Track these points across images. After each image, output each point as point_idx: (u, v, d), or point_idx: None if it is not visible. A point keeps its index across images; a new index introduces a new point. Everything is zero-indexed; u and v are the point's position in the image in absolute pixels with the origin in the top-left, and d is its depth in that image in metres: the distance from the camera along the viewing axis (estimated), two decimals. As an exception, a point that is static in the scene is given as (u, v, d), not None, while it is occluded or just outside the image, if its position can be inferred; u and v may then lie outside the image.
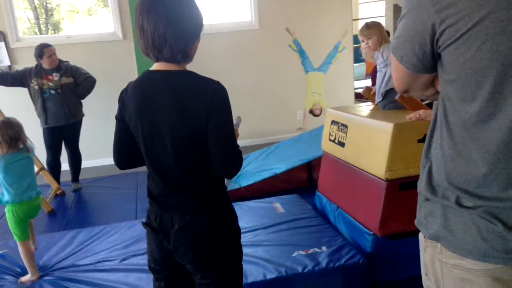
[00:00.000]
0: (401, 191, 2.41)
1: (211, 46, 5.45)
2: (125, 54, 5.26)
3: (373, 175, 2.50)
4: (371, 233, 2.46)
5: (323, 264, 2.30)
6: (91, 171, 4.90)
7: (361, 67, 9.32)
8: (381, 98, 2.70)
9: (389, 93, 2.64)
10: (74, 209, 3.86)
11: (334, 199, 2.95)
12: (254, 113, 5.68)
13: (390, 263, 2.44)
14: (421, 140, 2.40)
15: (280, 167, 3.93)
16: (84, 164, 4.49)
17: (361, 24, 6.74)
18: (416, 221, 1.03)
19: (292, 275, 2.23)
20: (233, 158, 1.35)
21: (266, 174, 3.85)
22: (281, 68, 5.79)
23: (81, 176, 4.46)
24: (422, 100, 2.54)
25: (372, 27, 2.69)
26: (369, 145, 2.53)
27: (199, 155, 1.34)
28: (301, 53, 5.91)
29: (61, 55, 4.18)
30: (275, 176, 3.83)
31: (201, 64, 5.67)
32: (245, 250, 1.59)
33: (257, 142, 5.65)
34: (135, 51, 5.23)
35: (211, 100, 1.28)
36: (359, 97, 6.80)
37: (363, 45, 2.70)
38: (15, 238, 2.41)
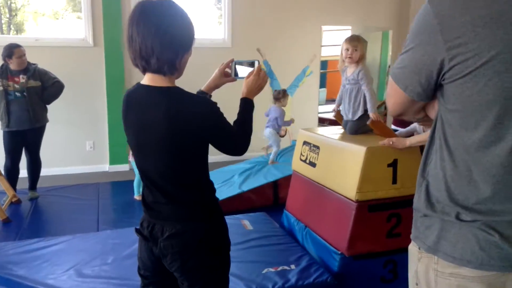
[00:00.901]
0: (370, 212, 2.49)
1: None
2: (94, 61, 5.17)
3: (343, 196, 2.57)
4: (339, 252, 2.52)
5: (293, 281, 2.33)
6: (49, 179, 4.71)
7: (322, 93, 9.59)
8: (351, 117, 2.77)
9: (361, 118, 2.74)
10: (30, 218, 3.69)
11: (302, 218, 3.00)
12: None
13: (357, 282, 2.50)
14: (391, 165, 2.51)
15: (247, 185, 3.95)
16: (42, 172, 4.32)
17: (325, 50, 6.98)
18: (412, 236, 1.10)
19: (262, 292, 2.24)
20: (241, 141, 1.45)
21: (233, 191, 3.85)
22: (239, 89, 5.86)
23: (38, 185, 4.28)
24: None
25: (362, 41, 2.76)
26: (341, 166, 2.61)
27: (189, 169, 1.38)
28: (270, 74, 6.01)
29: (27, 57, 4.05)
30: (241, 194, 3.84)
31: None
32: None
33: (222, 159, 5.64)
34: (105, 59, 5.16)
35: (202, 120, 1.32)
36: (321, 122, 7.00)
37: (346, 53, 2.70)
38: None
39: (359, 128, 2.77)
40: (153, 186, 1.41)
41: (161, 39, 1.28)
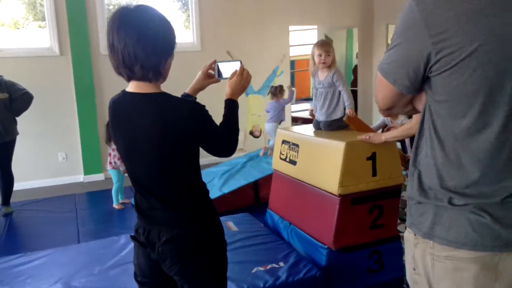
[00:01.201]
0: (352, 205, 2.55)
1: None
2: (61, 70, 5.05)
3: (325, 191, 2.63)
4: (326, 247, 2.57)
5: (283, 278, 2.36)
6: (23, 193, 4.58)
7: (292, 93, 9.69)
8: (326, 118, 2.83)
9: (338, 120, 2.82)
10: (7, 235, 3.57)
11: (286, 216, 3.04)
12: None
13: (344, 275, 2.56)
14: (369, 158, 2.59)
15: (227, 187, 3.96)
16: (15, 186, 4.19)
17: (294, 50, 7.07)
18: (407, 223, 1.14)
19: (254, 291, 2.27)
20: (229, 144, 1.46)
21: (214, 194, 3.86)
22: (222, 90, 5.87)
23: (11, 199, 4.14)
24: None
25: (331, 44, 2.83)
26: (322, 162, 2.66)
27: (181, 173, 1.39)
28: (242, 75, 6.05)
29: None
30: (222, 196, 3.85)
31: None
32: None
33: (203, 162, 5.62)
34: (72, 67, 5.05)
35: (190, 123, 1.32)
36: (295, 121, 7.08)
37: (319, 59, 2.76)
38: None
39: (331, 124, 2.83)
40: (146, 192, 1.40)
41: (143, 46, 1.27)
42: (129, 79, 1.35)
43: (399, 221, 2.38)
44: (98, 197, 4.52)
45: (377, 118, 4.66)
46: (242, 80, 1.58)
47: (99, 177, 5.27)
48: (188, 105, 1.35)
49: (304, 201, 2.86)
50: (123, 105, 1.38)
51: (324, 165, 2.65)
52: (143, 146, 1.33)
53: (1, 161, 3.95)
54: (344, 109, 2.80)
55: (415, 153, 1.11)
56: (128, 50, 1.27)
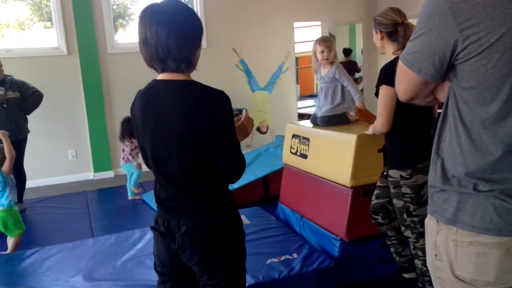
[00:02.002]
0: (365, 197, 2.59)
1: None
2: (70, 70, 5.10)
3: (338, 183, 2.67)
4: (338, 238, 2.61)
5: (297, 269, 2.40)
6: (34, 191, 4.63)
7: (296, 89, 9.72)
8: (325, 113, 2.87)
9: (334, 110, 2.86)
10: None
11: (298, 209, 3.08)
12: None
13: (356, 265, 2.60)
14: (381, 150, 2.62)
15: (237, 182, 3.99)
16: (26, 184, 4.25)
17: (299, 47, 7.10)
18: (429, 210, 1.16)
19: (270, 281, 2.31)
20: (236, 164, 1.42)
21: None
22: (228, 87, 5.90)
23: (23, 197, 4.20)
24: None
25: (332, 40, 2.89)
26: (333, 155, 2.70)
27: (204, 161, 1.39)
28: (248, 72, 6.10)
29: None
30: (232, 191, 3.88)
31: (150, 80, 5.65)
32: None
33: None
34: (80, 66, 5.10)
35: (216, 111, 1.34)
36: (301, 117, 7.11)
37: (322, 56, 2.81)
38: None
39: (328, 120, 2.87)
40: (167, 182, 1.43)
41: (176, 39, 1.31)
42: (162, 71, 1.38)
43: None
44: (108, 193, 4.57)
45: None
46: (246, 125, 1.60)
47: (109, 174, 5.32)
48: (218, 93, 1.36)
49: (316, 194, 2.90)
50: (154, 92, 1.40)
51: (335, 158, 2.69)
52: (170, 131, 1.36)
53: (16, 159, 3.97)
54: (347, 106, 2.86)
55: (438, 142, 1.12)
56: (161, 43, 1.30)
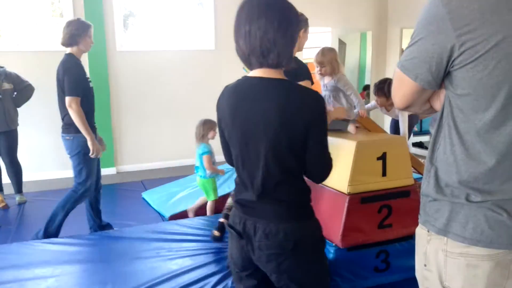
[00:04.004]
0: (361, 204, 2.57)
1: (171, 61, 5.53)
2: (78, 66, 5.14)
3: (335, 189, 2.65)
4: (333, 245, 2.59)
5: (290, 273, 2.38)
6: (36, 184, 4.67)
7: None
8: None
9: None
10: (19, 223, 3.66)
11: (295, 213, 3.06)
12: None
13: (351, 273, 2.58)
14: (380, 158, 2.60)
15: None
16: (29, 177, 4.29)
17: (308, 52, 7.09)
18: (421, 220, 1.14)
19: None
20: (327, 167, 1.43)
21: (223, 191, 3.89)
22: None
23: (25, 190, 4.24)
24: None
25: (328, 54, 2.89)
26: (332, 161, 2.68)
27: (291, 163, 1.35)
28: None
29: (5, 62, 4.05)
30: (229, 193, 3.87)
31: (160, 79, 5.67)
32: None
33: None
34: (88, 63, 5.13)
35: (313, 112, 1.31)
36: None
37: (317, 69, 2.87)
38: None
39: (331, 126, 2.87)
40: (251, 183, 1.38)
41: (283, 33, 1.29)
42: (260, 66, 1.33)
43: None
44: (110, 190, 4.57)
45: (389, 121, 4.68)
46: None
47: (111, 171, 5.34)
48: (314, 94, 1.34)
49: (313, 198, 2.87)
50: (246, 89, 1.36)
51: (334, 163, 2.65)
52: (261, 131, 1.32)
53: (8, 149, 4.05)
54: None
55: (432, 150, 1.11)
56: (268, 37, 1.28)
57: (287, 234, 1.34)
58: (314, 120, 1.31)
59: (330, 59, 2.87)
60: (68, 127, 3.06)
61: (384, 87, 3.81)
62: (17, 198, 4.13)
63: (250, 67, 1.36)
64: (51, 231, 3.08)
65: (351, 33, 7.36)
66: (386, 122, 5.21)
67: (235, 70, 6.11)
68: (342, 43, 7.42)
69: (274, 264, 1.37)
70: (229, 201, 2.92)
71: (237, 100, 1.36)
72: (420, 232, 1.14)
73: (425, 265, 1.12)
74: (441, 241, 1.06)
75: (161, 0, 5.58)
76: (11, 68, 4.14)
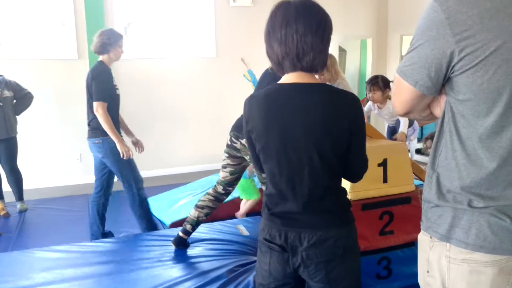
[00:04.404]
0: (363, 211, 2.56)
1: (171, 69, 5.55)
2: (79, 73, 5.11)
3: (336, 196, 2.64)
4: (335, 251, 2.58)
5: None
6: (37, 192, 4.67)
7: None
8: None
9: None
10: (20, 231, 3.66)
11: (296, 220, 3.05)
12: (208, 139, 5.73)
13: (352, 280, 2.56)
14: (381, 164, 2.60)
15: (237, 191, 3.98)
16: (30, 185, 4.29)
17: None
18: (423, 226, 1.14)
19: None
20: (365, 166, 1.44)
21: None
22: (236, 96, 5.93)
23: (26, 198, 4.24)
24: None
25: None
26: (333, 168, 2.68)
27: (333, 170, 1.34)
28: (255, 83, 6.09)
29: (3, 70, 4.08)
30: (234, 200, 3.87)
31: (160, 87, 5.67)
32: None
33: (209, 167, 5.69)
34: (89, 69, 5.15)
35: (355, 116, 1.31)
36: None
37: (317, 77, 2.91)
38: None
39: None
40: (291, 193, 1.34)
41: (321, 37, 1.29)
42: (293, 69, 1.32)
43: None
44: (111, 197, 4.57)
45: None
46: None
47: (112, 178, 5.34)
48: (354, 97, 1.33)
49: (314, 206, 2.88)
50: (282, 97, 1.32)
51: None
52: (304, 137, 1.29)
53: (9, 157, 4.07)
54: None
55: (434, 156, 1.11)
56: (306, 39, 1.27)
57: (337, 240, 1.33)
58: (356, 121, 1.31)
59: (328, 66, 2.90)
60: (95, 131, 3.15)
61: (378, 81, 3.83)
62: (18, 205, 4.13)
63: (283, 71, 1.34)
64: (152, 224, 3.36)
65: (351, 40, 7.38)
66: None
67: (236, 78, 6.16)
68: (342, 50, 7.44)
69: (324, 272, 1.34)
70: (192, 213, 2.79)
71: (273, 109, 1.32)
72: (423, 238, 1.14)
73: (427, 272, 1.11)
74: (444, 247, 1.06)
75: (161, 8, 5.60)
76: (10, 76, 4.17)
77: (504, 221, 0.99)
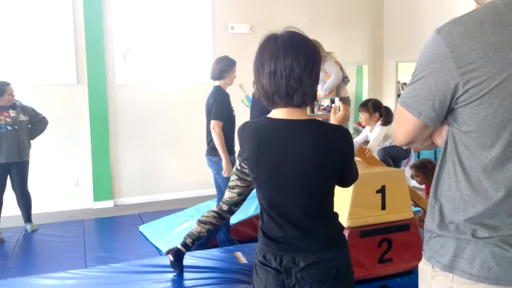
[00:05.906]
0: (361, 238, 2.55)
1: (169, 94, 5.60)
2: (78, 99, 5.21)
3: (335, 223, 2.63)
4: (333, 279, 2.55)
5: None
6: (33, 217, 4.60)
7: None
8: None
9: None
10: (15, 257, 3.61)
11: (294, 247, 3.03)
12: (206, 164, 5.71)
13: (351, 309, 2.53)
14: (379, 191, 2.60)
15: (235, 217, 3.96)
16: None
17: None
18: (425, 256, 1.13)
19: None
20: (356, 178, 1.49)
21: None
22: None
23: (20, 223, 4.22)
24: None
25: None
26: (331, 194, 2.68)
27: (325, 199, 1.38)
28: (253, 108, 6.14)
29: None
30: (231, 226, 3.84)
31: (158, 113, 5.70)
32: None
33: (207, 193, 5.66)
34: (88, 96, 5.19)
35: (345, 147, 1.35)
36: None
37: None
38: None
39: None
40: (284, 221, 1.37)
41: (310, 72, 1.28)
42: (285, 105, 1.32)
43: None
44: (106, 223, 4.55)
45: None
46: (347, 114, 1.53)
47: (109, 203, 5.30)
48: (342, 131, 1.35)
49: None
50: (272, 132, 1.34)
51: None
52: (293, 174, 1.31)
53: (19, 179, 4.16)
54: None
55: (436, 185, 1.11)
56: (294, 76, 1.27)
57: (331, 261, 1.36)
58: (347, 155, 1.36)
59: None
60: (214, 150, 3.47)
61: (368, 104, 4.04)
62: (28, 226, 4.24)
63: (273, 105, 1.34)
64: (227, 238, 3.60)
65: (348, 67, 7.46)
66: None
67: (234, 103, 6.22)
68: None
69: None
70: (195, 227, 2.80)
71: (262, 143, 1.35)
72: (424, 268, 1.13)
73: None
74: (447, 277, 1.05)
75: (160, 34, 5.68)
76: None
77: (508, 251, 0.99)
